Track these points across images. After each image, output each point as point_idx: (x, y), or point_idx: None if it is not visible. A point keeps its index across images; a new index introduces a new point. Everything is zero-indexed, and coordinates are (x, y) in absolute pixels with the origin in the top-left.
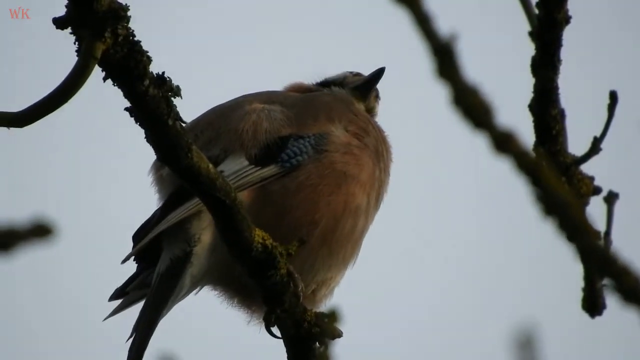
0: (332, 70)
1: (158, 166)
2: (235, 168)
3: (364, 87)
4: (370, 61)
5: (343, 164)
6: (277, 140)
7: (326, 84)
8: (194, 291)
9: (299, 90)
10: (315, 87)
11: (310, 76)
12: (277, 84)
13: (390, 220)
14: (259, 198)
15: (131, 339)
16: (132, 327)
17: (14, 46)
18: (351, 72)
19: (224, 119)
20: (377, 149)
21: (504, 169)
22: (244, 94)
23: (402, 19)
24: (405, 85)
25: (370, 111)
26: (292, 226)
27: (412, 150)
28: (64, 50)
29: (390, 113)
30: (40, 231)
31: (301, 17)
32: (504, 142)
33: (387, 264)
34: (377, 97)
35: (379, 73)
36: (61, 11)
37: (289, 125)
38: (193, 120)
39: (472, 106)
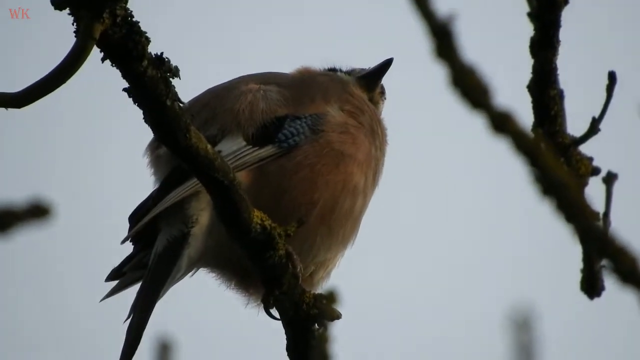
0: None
1: (154, 147)
2: (233, 148)
3: (371, 76)
4: (368, 42)
5: (340, 143)
6: (274, 120)
7: (334, 70)
8: (191, 273)
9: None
10: (323, 72)
11: (315, 61)
12: (276, 66)
13: (388, 201)
14: (257, 179)
15: (129, 320)
16: (129, 308)
17: (13, 27)
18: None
19: (220, 99)
20: (372, 127)
21: (502, 149)
22: (242, 75)
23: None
24: (403, 66)
25: (374, 106)
26: (291, 206)
27: (410, 130)
28: (62, 31)
29: (389, 94)
30: (37, 212)
31: None
32: (502, 123)
33: (385, 245)
34: (382, 93)
35: (386, 64)
36: None
37: (285, 106)
38: (189, 101)
39: (470, 87)
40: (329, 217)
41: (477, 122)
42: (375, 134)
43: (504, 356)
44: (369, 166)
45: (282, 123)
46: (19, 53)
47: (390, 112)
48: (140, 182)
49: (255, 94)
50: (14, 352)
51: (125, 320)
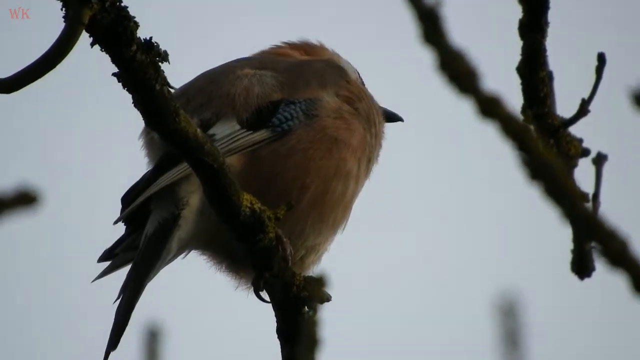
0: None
1: (148, 129)
2: (227, 132)
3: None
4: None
5: (334, 129)
6: (269, 104)
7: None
8: (182, 255)
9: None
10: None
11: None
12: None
13: (378, 186)
14: (250, 162)
15: (118, 301)
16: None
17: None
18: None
19: (215, 83)
20: (368, 115)
21: (490, 132)
22: (235, 58)
23: None
24: (390, 51)
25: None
26: (283, 190)
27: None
28: (51, 16)
29: (376, 80)
30: (25, 199)
31: None
32: (490, 107)
33: (375, 230)
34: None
35: (396, 119)
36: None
37: (280, 90)
38: (183, 85)
39: (458, 71)
40: (320, 202)
41: (465, 107)
42: (372, 122)
43: (491, 342)
44: (362, 152)
45: (277, 107)
46: (8, 39)
47: (379, 98)
48: (134, 163)
49: (250, 79)
50: (6, 333)
51: (115, 301)
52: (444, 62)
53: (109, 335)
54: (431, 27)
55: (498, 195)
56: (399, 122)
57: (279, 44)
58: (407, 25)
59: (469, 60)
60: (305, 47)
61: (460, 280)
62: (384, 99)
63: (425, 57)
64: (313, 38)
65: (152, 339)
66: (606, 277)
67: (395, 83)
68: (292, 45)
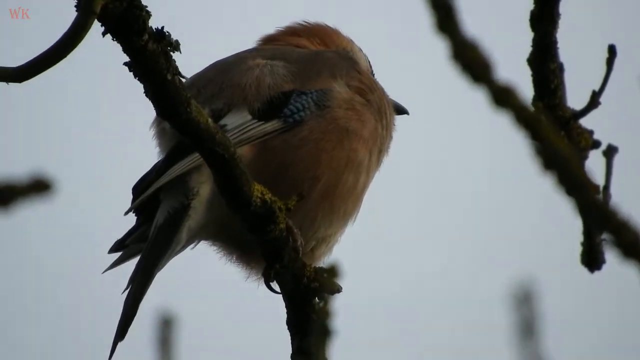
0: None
1: (160, 119)
2: (238, 122)
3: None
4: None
5: (345, 119)
6: (280, 95)
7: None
8: (191, 245)
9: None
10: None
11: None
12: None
13: (390, 178)
14: (261, 153)
15: (127, 291)
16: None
17: (13, 2)
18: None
19: (227, 73)
20: (380, 106)
21: (503, 123)
22: (246, 48)
23: None
24: (405, 40)
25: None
26: (294, 181)
27: (411, 106)
28: (62, 5)
29: (390, 69)
30: (39, 186)
31: None
32: (503, 97)
33: (387, 220)
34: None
35: (402, 111)
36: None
37: (291, 81)
38: (194, 75)
39: (471, 61)
40: (331, 193)
41: (477, 96)
42: (383, 113)
43: (506, 331)
44: (374, 144)
45: (288, 98)
46: (20, 28)
47: (390, 88)
48: (145, 153)
49: (262, 69)
50: (15, 323)
51: (124, 291)
52: (457, 52)
53: (117, 325)
54: (445, 17)
55: (511, 185)
56: (405, 115)
57: (296, 25)
58: (422, 14)
59: (482, 50)
60: (320, 33)
61: (474, 270)
62: (396, 88)
63: (439, 47)
64: (329, 22)
65: (165, 327)
66: (617, 269)
67: (409, 73)
68: (307, 30)
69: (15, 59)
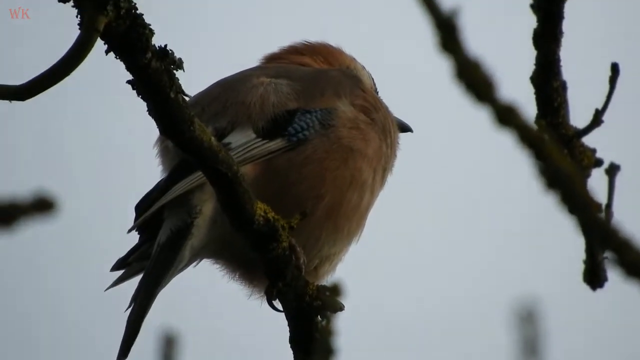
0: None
1: (163, 137)
2: (242, 140)
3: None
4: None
5: (350, 139)
6: (284, 114)
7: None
8: (194, 263)
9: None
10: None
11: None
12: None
13: (393, 196)
14: (265, 171)
15: (130, 309)
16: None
17: (17, 19)
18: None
19: (231, 92)
20: (384, 125)
21: (506, 142)
22: (250, 67)
23: None
24: (408, 59)
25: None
26: (298, 200)
27: (415, 124)
28: (66, 23)
29: (393, 88)
30: (42, 205)
31: None
32: (506, 116)
33: (389, 239)
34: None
35: (406, 129)
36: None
37: (296, 100)
38: (198, 93)
39: (474, 80)
40: (335, 211)
41: (481, 115)
42: (387, 131)
43: (509, 350)
44: (378, 162)
45: (293, 117)
46: (23, 46)
47: (394, 106)
48: (148, 172)
49: (266, 87)
50: (19, 341)
51: (126, 309)
52: (461, 71)
53: (120, 344)
54: (449, 36)
55: (514, 203)
56: (409, 133)
57: (299, 44)
58: (425, 33)
59: (486, 69)
60: (323, 51)
61: (476, 288)
62: (399, 106)
63: (443, 66)
64: (332, 41)
65: (168, 346)
66: (619, 287)
67: (412, 93)
68: (311, 49)
69: (16, 59)
